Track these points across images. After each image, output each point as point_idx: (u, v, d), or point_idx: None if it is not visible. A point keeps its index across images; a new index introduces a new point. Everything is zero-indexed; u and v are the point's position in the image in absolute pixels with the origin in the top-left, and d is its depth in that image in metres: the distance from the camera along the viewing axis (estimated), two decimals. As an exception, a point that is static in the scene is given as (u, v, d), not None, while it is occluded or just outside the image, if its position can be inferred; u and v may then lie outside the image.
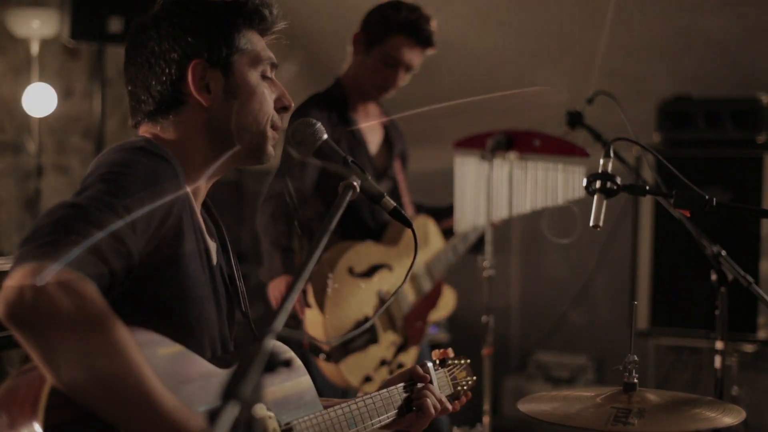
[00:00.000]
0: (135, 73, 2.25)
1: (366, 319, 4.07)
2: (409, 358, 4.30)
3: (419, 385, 2.57)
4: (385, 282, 4.21)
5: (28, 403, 1.84)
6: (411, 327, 4.31)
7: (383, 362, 4.16)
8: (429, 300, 4.44)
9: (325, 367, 4.03)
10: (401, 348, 4.27)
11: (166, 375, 1.97)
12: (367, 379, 4.09)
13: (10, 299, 1.77)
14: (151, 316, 2.03)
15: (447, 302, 4.58)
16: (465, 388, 2.73)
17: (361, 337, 4.07)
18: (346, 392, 4.06)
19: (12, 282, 1.78)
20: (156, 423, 1.85)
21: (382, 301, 4.15)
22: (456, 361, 2.75)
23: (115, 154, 2.08)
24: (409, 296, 4.36)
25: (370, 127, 4.41)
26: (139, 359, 1.84)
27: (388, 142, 4.52)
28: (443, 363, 2.72)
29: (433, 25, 4.26)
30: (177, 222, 2.08)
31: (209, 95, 2.22)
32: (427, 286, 4.45)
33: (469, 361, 2.79)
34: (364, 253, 4.19)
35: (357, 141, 4.33)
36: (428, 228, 4.53)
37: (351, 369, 4.06)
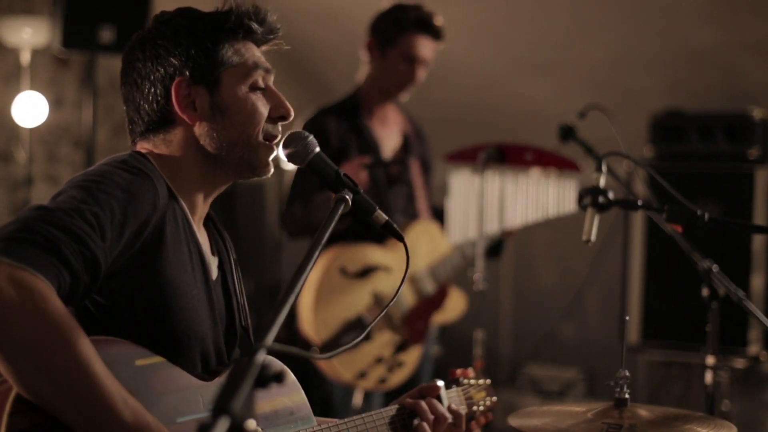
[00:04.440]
0: (127, 95, 2.26)
1: (358, 319, 4.22)
2: (410, 357, 4.41)
3: (420, 402, 2.49)
4: (382, 283, 4.31)
5: None
6: (411, 327, 4.41)
7: (379, 359, 4.29)
8: (433, 301, 4.51)
9: (320, 362, 4.23)
10: (401, 347, 4.38)
11: (143, 385, 1.99)
12: (362, 375, 4.25)
13: None
14: (135, 327, 2.04)
15: (456, 305, 4.66)
16: (482, 408, 2.67)
17: (352, 334, 4.17)
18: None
19: None
20: (108, 421, 1.86)
21: (377, 300, 4.29)
22: (474, 381, 2.69)
23: (97, 166, 2.10)
24: (408, 297, 4.44)
25: (387, 133, 4.60)
26: (89, 356, 1.85)
27: (406, 146, 4.66)
28: (457, 382, 2.67)
29: (440, 19, 4.48)
30: (158, 234, 2.08)
31: (195, 113, 2.21)
32: (428, 288, 4.52)
33: (489, 381, 2.73)
34: (360, 253, 4.31)
35: (369, 146, 4.49)
36: (433, 232, 4.60)
37: (343, 364, 4.21)
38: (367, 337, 4.20)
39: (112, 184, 2.01)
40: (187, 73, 2.20)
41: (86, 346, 1.85)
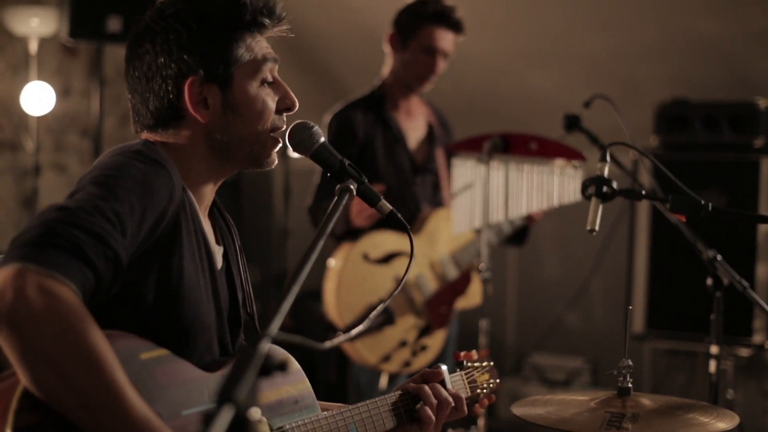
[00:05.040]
0: (134, 86, 2.24)
1: (380, 302, 4.19)
2: (434, 341, 4.55)
3: (422, 387, 2.51)
4: (403, 268, 4.41)
5: (1, 407, 1.85)
6: (434, 312, 4.54)
7: (403, 343, 4.44)
8: (455, 287, 4.62)
9: (344, 345, 4.38)
10: (424, 331, 4.52)
11: (148, 378, 1.99)
12: (386, 359, 4.40)
13: None
14: (141, 319, 2.04)
15: (478, 290, 4.68)
16: (485, 391, 2.69)
17: (375, 319, 4.19)
18: None
19: None
20: (120, 424, 1.85)
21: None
22: (477, 364, 2.71)
23: (111, 158, 2.09)
24: (431, 282, 4.57)
25: (412, 124, 4.76)
26: (113, 365, 1.84)
27: (430, 137, 4.81)
28: (461, 365, 2.68)
29: (459, 12, 4.61)
30: (173, 226, 2.08)
31: (207, 110, 2.20)
32: (451, 273, 4.64)
33: (492, 363, 2.74)
34: (381, 240, 4.46)
35: (395, 137, 4.66)
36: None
37: (367, 348, 4.38)
38: (389, 322, 4.38)
39: (130, 178, 2.00)
40: (201, 72, 2.18)
41: (111, 356, 1.84)
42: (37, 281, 1.78)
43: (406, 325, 4.48)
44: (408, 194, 4.66)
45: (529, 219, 4.61)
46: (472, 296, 4.68)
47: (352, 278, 4.43)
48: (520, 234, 4.76)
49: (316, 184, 4.55)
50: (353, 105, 4.67)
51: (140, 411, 1.86)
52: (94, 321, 1.84)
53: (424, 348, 4.50)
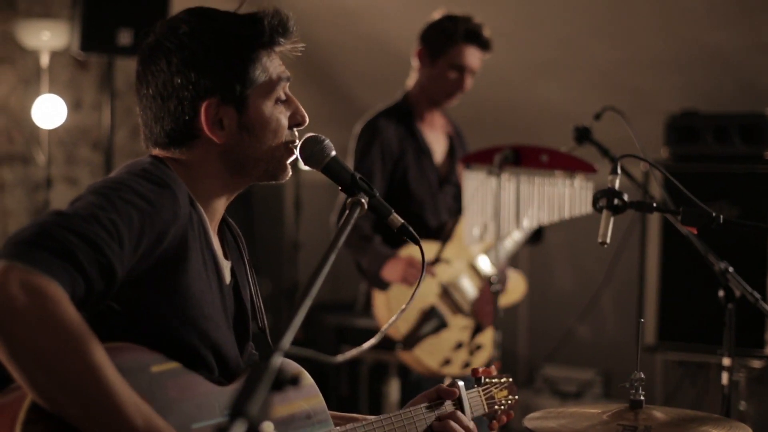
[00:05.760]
0: (147, 103, 2.22)
1: (432, 308, 4.49)
2: (486, 338, 4.65)
3: (446, 406, 2.51)
4: (445, 274, 4.57)
5: (8, 419, 1.84)
6: (482, 311, 4.63)
7: (459, 345, 4.54)
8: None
9: (404, 356, 4.48)
10: (476, 331, 4.62)
11: (158, 392, 1.98)
12: (447, 362, 4.50)
13: None
14: (151, 334, 2.03)
15: (517, 287, 4.90)
16: (504, 407, 2.67)
17: (430, 323, 4.46)
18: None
19: None
20: (119, 427, 1.83)
21: (444, 289, 4.56)
22: (495, 380, 2.69)
23: (118, 173, 2.09)
24: (473, 283, 4.67)
25: (436, 136, 4.86)
26: (101, 362, 1.82)
27: (451, 150, 4.91)
28: (479, 381, 2.66)
29: (488, 31, 4.73)
30: (178, 244, 2.07)
31: (222, 131, 2.19)
32: (489, 272, 4.70)
33: (511, 380, 2.73)
34: (424, 248, 4.42)
35: (423, 151, 4.76)
36: None
37: (427, 354, 4.47)
38: (442, 326, 4.50)
39: (132, 192, 1.99)
40: (219, 94, 2.17)
41: (98, 352, 1.82)
42: (22, 278, 1.77)
43: (459, 327, 4.57)
44: (437, 206, 4.75)
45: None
46: (512, 293, 4.83)
47: (399, 289, 4.49)
48: (536, 234, 4.84)
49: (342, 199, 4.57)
50: (384, 115, 4.74)
51: (132, 407, 1.85)
52: (81, 318, 1.82)
53: (479, 347, 4.60)
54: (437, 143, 4.87)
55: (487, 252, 4.73)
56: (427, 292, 4.49)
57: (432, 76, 4.70)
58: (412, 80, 4.80)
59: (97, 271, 1.87)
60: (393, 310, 4.44)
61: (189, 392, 2.05)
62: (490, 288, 4.19)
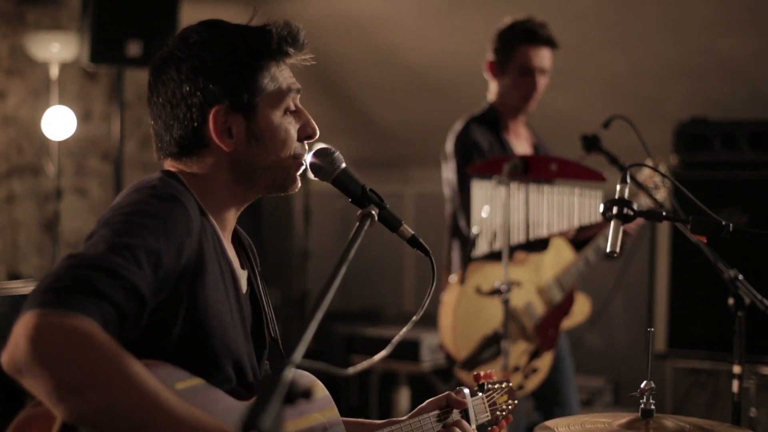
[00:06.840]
0: (157, 112, 2.24)
1: (495, 334, 4.38)
2: (543, 363, 4.67)
3: (453, 414, 2.53)
4: (514, 298, 4.44)
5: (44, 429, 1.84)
6: (543, 335, 4.65)
7: (516, 368, 4.53)
8: (561, 309, 4.74)
9: (461, 374, 4.49)
10: (534, 354, 4.62)
11: None
12: None
13: (8, 351, 1.79)
14: (173, 349, 2.04)
15: (581, 309, 4.91)
16: (504, 413, 2.69)
17: (491, 349, 4.43)
18: None
19: (13, 335, 1.79)
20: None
21: (511, 314, 4.48)
22: (497, 386, 2.71)
23: (126, 196, 2.08)
24: (539, 307, 4.67)
25: (521, 146, 4.87)
26: (153, 385, 1.83)
27: None
28: (481, 388, 2.67)
29: (548, 27, 4.73)
30: (196, 256, 2.07)
31: (231, 139, 2.20)
32: (557, 297, 4.72)
33: (511, 384, 2.75)
34: (491, 272, 4.50)
35: None
36: (557, 243, 4.79)
37: None
38: (500, 354, 4.39)
39: (143, 214, 2.00)
40: (227, 101, 2.19)
41: (149, 377, 1.83)
42: (49, 322, 1.77)
43: (518, 351, 4.57)
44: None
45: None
46: (576, 315, 4.83)
47: (466, 312, 4.52)
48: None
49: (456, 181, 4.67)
50: (476, 122, 4.76)
51: (182, 408, 1.85)
52: (122, 348, 1.83)
53: (535, 371, 4.60)
54: (523, 153, 4.85)
55: (558, 275, 4.73)
56: (493, 317, 4.39)
57: (506, 85, 4.75)
58: (491, 94, 4.84)
59: (122, 295, 1.87)
60: (458, 332, 4.49)
61: (212, 408, 2.04)
62: (500, 297, 4.18)
